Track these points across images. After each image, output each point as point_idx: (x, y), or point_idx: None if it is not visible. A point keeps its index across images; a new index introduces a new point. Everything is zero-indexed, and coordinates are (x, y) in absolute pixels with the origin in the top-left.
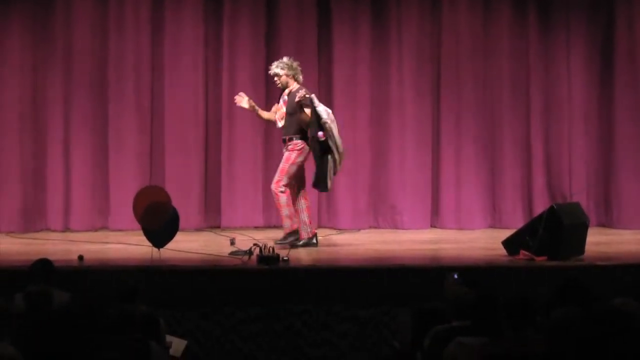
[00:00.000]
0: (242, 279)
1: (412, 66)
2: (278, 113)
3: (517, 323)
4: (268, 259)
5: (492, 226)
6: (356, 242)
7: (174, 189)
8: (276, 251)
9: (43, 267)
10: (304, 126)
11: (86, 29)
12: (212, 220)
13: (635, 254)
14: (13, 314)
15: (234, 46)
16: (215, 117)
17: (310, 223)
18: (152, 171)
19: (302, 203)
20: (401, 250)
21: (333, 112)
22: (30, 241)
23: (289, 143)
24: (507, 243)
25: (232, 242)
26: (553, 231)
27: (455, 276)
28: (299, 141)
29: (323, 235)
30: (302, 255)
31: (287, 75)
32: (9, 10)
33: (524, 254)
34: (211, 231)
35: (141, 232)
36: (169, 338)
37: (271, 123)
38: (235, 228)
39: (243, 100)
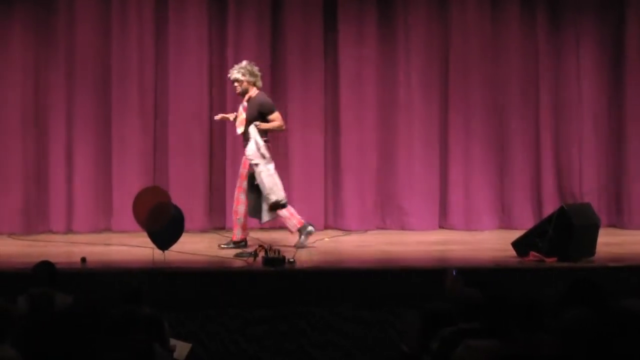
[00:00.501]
0: (247, 281)
1: (420, 66)
2: (238, 119)
3: (526, 325)
4: (273, 261)
5: (501, 227)
6: (363, 243)
7: (178, 190)
8: (282, 253)
9: (45, 269)
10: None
11: (89, 28)
12: (216, 222)
13: None
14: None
15: (239, 46)
16: None
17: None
18: (155, 172)
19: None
20: (408, 251)
21: (339, 114)
22: (32, 243)
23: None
24: (516, 244)
25: None
26: (563, 232)
27: (454, 272)
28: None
29: (330, 236)
30: (308, 257)
31: (248, 82)
32: (10, 10)
33: (533, 255)
34: (216, 232)
35: (145, 233)
36: (173, 341)
37: None
38: None
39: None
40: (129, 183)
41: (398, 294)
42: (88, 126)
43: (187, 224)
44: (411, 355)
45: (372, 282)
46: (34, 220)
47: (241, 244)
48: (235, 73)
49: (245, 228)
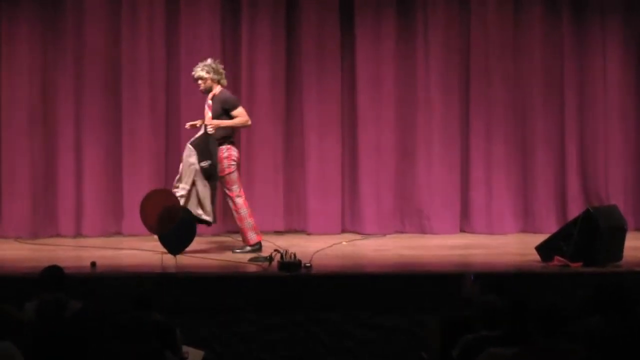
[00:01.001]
0: (263, 286)
1: (440, 63)
2: (205, 118)
3: (549, 332)
4: (289, 266)
5: (524, 230)
6: (381, 247)
7: None
8: (298, 257)
9: (54, 274)
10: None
11: (98, 28)
12: (230, 225)
13: None
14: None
15: (253, 46)
16: None
17: None
18: (167, 173)
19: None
20: (429, 255)
21: (357, 113)
22: (40, 247)
23: (218, 149)
24: (540, 248)
25: None
26: (589, 236)
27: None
28: (224, 146)
29: (347, 240)
30: (325, 262)
31: (212, 79)
32: (17, 9)
33: (558, 260)
34: (229, 236)
35: (156, 237)
36: (185, 348)
37: None
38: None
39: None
40: (140, 185)
41: (418, 300)
42: (97, 127)
43: (200, 228)
44: None
45: (390, 288)
46: (42, 223)
47: (256, 247)
48: (199, 71)
49: (257, 230)
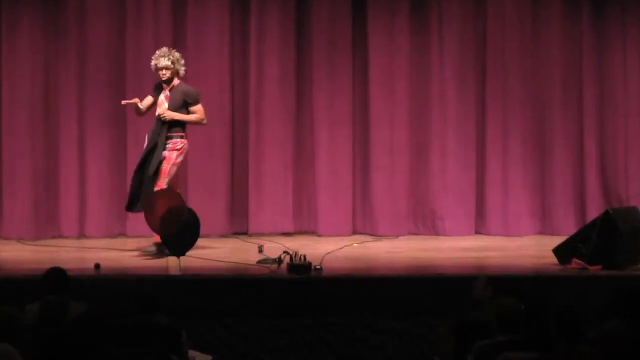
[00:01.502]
0: (271, 289)
1: (455, 58)
2: (159, 109)
3: (567, 336)
4: (299, 268)
5: (542, 232)
6: (394, 249)
7: (198, 191)
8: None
9: (57, 276)
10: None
11: (102, 21)
12: (238, 226)
13: None
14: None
15: (262, 40)
16: (242, 114)
17: None
18: None
19: None
20: (443, 258)
21: (369, 109)
22: (43, 248)
23: (169, 142)
24: (558, 251)
25: (261, 250)
26: (608, 238)
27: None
28: (179, 140)
29: (358, 242)
30: (336, 264)
31: (175, 70)
32: (18, 4)
33: (576, 263)
34: (238, 237)
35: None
36: (191, 352)
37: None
38: (263, 234)
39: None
40: None
41: (431, 304)
42: (101, 125)
43: (207, 228)
44: None
45: (403, 291)
46: (44, 224)
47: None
48: (164, 60)
49: None
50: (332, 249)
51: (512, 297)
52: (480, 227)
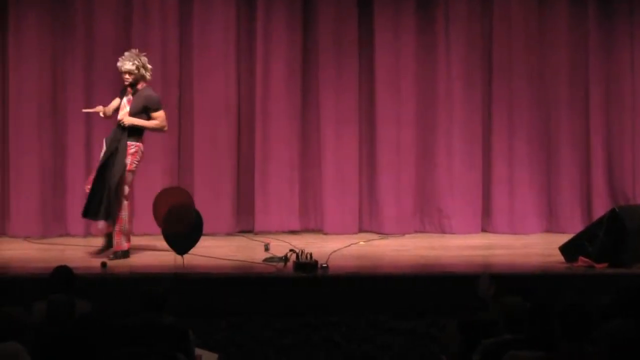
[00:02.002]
0: (277, 288)
1: (461, 57)
2: (120, 112)
3: (573, 335)
4: (305, 266)
5: (548, 230)
6: (401, 247)
7: (204, 189)
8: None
9: (63, 275)
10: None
11: (108, 18)
12: (244, 224)
13: None
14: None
15: (268, 38)
16: (248, 112)
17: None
18: (180, 170)
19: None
20: (449, 256)
21: (375, 108)
22: (49, 247)
23: (129, 147)
24: (564, 249)
25: (267, 248)
26: (615, 236)
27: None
28: (135, 143)
29: (365, 240)
30: (342, 262)
31: (139, 75)
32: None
33: (583, 261)
34: (244, 236)
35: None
36: (198, 351)
37: None
38: (269, 232)
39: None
40: (152, 183)
41: (438, 302)
42: (108, 122)
43: (213, 226)
44: None
45: (410, 290)
46: (51, 222)
47: (126, 253)
48: (128, 64)
49: (129, 237)
50: (338, 247)
51: (518, 296)
52: (486, 226)
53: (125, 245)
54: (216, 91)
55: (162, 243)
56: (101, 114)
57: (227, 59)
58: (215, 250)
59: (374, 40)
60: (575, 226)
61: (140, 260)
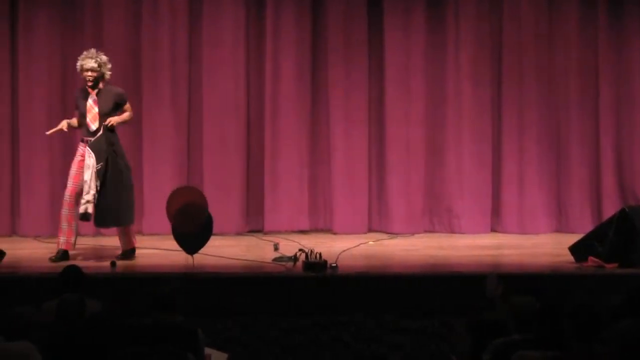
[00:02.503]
0: (287, 287)
1: (471, 56)
2: (89, 115)
3: (583, 335)
4: (314, 266)
5: (558, 230)
6: (410, 247)
7: (213, 189)
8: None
9: (72, 274)
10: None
11: (118, 17)
12: (254, 224)
13: None
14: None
15: (278, 37)
16: (257, 111)
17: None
18: (189, 170)
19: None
20: (459, 256)
21: (384, 107)
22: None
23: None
24: (574, 249)
25: (276, 248)
26: (625, 236)
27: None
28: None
29: (374, 239)
30: (352, 262)
31: (101, 73)
32: (35, 3)
33: (592, 261)
34: (253, 235)
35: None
36: (207, 350)
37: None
38: (279, 232)
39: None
40: (161, 183)
41: (447, 302)
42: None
43: (222, 226)
44: None
45: (419, 289)
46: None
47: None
48: (91, 62)
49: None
50: (347, 247)
51: (527, 296)
52: (496, 225)
53: (133, 243)
54: (225, 90)
55: (171, 243)
56: (65, 129)
57: (236, 58)
58: (225, 249)
59: (384, 39)
60: (585, 226)
61: (150, 260)
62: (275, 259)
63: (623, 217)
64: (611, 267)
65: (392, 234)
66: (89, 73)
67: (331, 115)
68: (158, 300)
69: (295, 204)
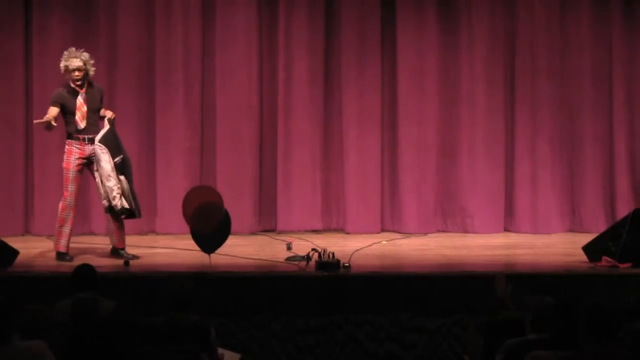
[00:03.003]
0: (300, 287)
1: (484, 55)
2: (78, 113)
3: (598, 335)
4: (327, 265)
5: (571, 230)
6: (423, 246)
7: (226, 189)
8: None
9: (86, 273)
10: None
11: (132, 20)
12: (267, 223)
13: None
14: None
15: (290, 37)
16: (270, 111)
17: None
18: (202, 170)
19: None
20: (472, 256)
21: (397, 107)
22: (73, 245)
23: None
24: (587, 249)
25: (289, 247)
26: (638, 236)
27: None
28: None
29: (387, 239)
30: (365, 262)
31: (87, 71)
32: (49, 2)
33: (606, 261)
34: (266, 235)
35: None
36: (221, 350)
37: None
38: (291, 231)
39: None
40: (174, 182)
41: (460, 302)
42: (130, 121)
43: (235, 226)
44: None
45: (432, 289)
46: (75, 221)
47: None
48: (77, 61)
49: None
50: (360, 247)
51: (541, 295)
52: (509, 225)
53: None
54: (238, 92)
55: (185, 242)
56: (54, 123)
57: (249, 60)
58: (238, 249)
59: (397, 40)
60: (598, 226)
61: (164, 259)
62: (288, 259)
63: (637, 217)
64: (625, 267)
65: (405, 233)
66: (76, 73)
67: (344, 115)
68: (171, 299)
69: (308, 203)
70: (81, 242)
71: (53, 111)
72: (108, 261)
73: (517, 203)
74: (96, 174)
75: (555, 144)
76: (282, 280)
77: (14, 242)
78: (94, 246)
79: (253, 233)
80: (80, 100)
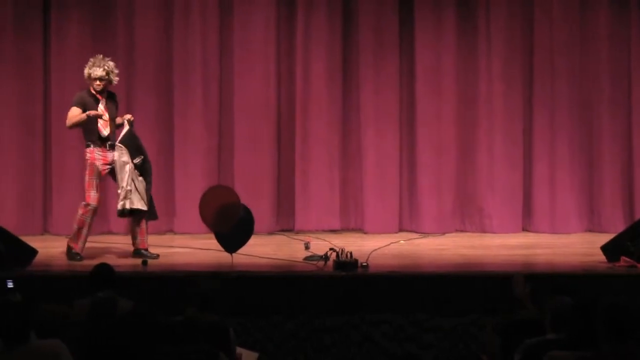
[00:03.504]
0: (318, 286)
1: (502, 56)
2: (101, 121)
3: (617, 336)
4: (345, 265)
5: (590, 230)
6: (441, 246)
7: (244, 188)
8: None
9: (104, 272)
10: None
11: (149, 18)
12: (285, 223)
13: None
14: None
15: (308, 37)
16: (288, 111)
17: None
18: (220, 170)
19: None
20: (490, 255)
21: (415, 108)
22: (91, 244)
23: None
24: (606, 248)
25: (307, 247)
26: None
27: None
28: None
29: (405, 239)
30: (382, 261)
31: (109, 80)
32: (67, 4)
33: (625, 261)
34: (284, 234)
35: (209, 235)
36: (239, 349)
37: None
38: (309, 231)
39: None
40: (192, 182)
41: (478, 302)
42: (148, 123)
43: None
44: None
45: (451, 289)
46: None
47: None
48: (99, 71)
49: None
50: (378, 246)
51: (560, 296)
52: (527, 225)
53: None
54: (256, 91)
55: (202, 242)
56: (105, 118)
57: (267, 59)
58: (256, 248)
59: (415, 40)
60: (617, 226)
61: (182, 258)
62: (306, 258)
63: None
64: None
65: (423, 233)
66: (98, 82)
67: (362, 115)
68: (190, 299)
69: (326, 203)
70: (99, 241)
71: (77, 111)
72: (126, 261)
73: (535, 203)
74: (117, 178)
75: (574, 145)
76: (300, 279)
77: (33, 242)
78: (112, 245)
79: (271, 233)
80: (101, 108)
